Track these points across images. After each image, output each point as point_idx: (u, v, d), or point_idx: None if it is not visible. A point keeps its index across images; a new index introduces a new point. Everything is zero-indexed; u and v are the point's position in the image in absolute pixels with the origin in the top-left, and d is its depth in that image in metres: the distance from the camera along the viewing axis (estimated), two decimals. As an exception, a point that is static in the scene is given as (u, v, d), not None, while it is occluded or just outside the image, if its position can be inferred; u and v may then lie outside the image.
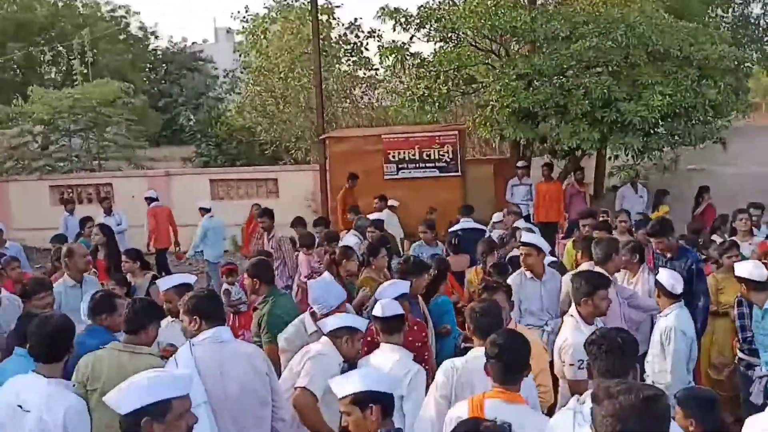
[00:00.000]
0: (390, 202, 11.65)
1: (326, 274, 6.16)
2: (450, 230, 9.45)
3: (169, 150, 26.90)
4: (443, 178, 13.31)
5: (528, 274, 6.33)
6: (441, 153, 13.39)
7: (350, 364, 4.41)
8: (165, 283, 5.61)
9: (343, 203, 12.06)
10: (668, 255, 6.57)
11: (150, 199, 12.94)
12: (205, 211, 12.19)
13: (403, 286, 5.35)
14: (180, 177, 17.21)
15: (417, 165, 13.37)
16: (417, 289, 5.91)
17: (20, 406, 3.67)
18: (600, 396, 2.27)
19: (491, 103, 13.07)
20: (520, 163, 13.55)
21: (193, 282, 5.63)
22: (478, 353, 3.96)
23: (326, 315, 4.81)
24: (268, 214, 9.87)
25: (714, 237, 8.66)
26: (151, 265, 9.25)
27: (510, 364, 3.46)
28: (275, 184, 16.53)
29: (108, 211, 12.37)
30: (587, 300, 4.78)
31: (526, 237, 6.67)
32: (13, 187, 17.58)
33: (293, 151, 19.51)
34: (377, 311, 4.63)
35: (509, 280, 6.10)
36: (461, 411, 3.45)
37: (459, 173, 13.40)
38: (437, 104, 13.55)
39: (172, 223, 12.90)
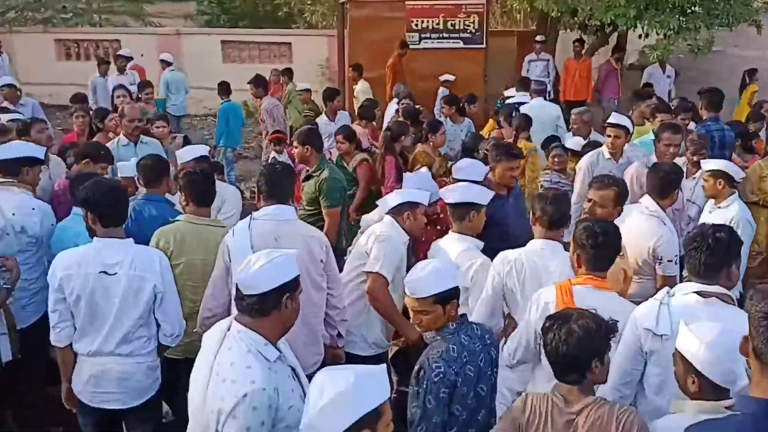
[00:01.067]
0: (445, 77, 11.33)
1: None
2: (507, 102, 9.10)
3: (169, 6, 25.68)
4: (466, 50, 12.76)
5: (606, 154, 6.14)
6: (466, 23, 12.76)
7: (415, 240, 4.32)
8: (186, 154, 5.56)
9: (392, 73, 11.50)
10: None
11: (165, 63, 12.45)
12: (166, 64, 12.36)
13: (483, 170, 5.10)
14: (191, 36, 16.57)
15: (441, 35, 12.77)
16: (504, 178, 5.10)
17: (105, 272, 3.61)
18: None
19: (524, -31, 12.33)
20: (538, 38, 13.14)
21: (207, 152, 5.75)
22: (537, 245, 3.87)
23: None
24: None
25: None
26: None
27: (604, 251, 3.38)
28: (289, 49, 15.93)
29: (122, 70, 11.83)
30: (673, 192, 4.70)
31: (614, 118, 6.31)
32: (17, 40, 16.91)
33: (307, 15, 18.67)
34: (448, 196, 4.42)
35: (584, 159, 5.95)
36: (549, 296, 3.38)
37: (484, 45, 12.86)
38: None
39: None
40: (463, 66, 12.24)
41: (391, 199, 4.49)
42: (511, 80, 11.99)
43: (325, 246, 4.09)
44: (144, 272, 3.64)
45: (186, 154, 5.54)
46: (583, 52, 13.20)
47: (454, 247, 4.25)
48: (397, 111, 8.99)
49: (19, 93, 8.96)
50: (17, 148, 4.89)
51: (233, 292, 2.88)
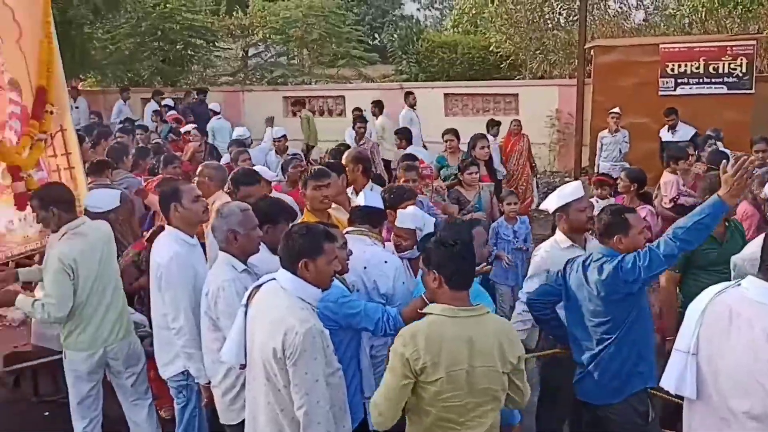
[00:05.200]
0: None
1: None
2: None
3: (371, 68, 25.89)
4: (730, 96, 11.16)
5: None
6: (732, 67, 11.15)
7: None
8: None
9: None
10: None
11: (213, 112, 13.47)
12: (214, 113, 13.30)
13: None
14: (414, 90, 16.20)
15: (700, 80, 11.24)
16: None
17: None
18: None
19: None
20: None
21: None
22: None
23: None
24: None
25: None
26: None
27: None
28: (515, 99, 15.04)
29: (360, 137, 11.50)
30: None
31: None
32: (248, 97, 17.65)
33: (533, 65, 17.74)
34: None
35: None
36: None
37: (752, 90, 11.13)
38: (740, 6, 11.17)
39: None
40: (726, 114, 10.64)
41: None
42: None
43: None
44: None
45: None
46: None
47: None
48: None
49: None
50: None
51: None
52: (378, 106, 12.44)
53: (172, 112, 14.23)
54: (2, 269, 5.51)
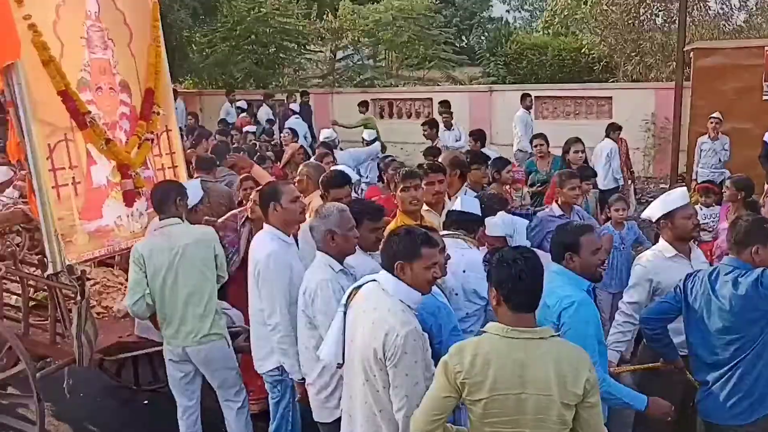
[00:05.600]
0: None
1: None
2: None
3: (458, 71, 25.72)
4: None
5: None
6: (841, 69, 10.51)
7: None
8: None
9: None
10: None
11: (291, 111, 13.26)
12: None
13: None
14: (502, 93, 16.05)
15: (809, 83, 10.65)
16: None
17: None
18: None
19: None
20: None
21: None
22: None
23: None
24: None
25: None
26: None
27: None
28: (609, 103, 14.63)
29: (448, 126, 11.53)
30: None
31: None
32: (337, 100, 17.89)
33: (628, 67, 17.23)
34: None
35: None
36: None
37: None
38: None
39: None
40: (839, 121, 9.99)
41: None
42: None
43: None
44: None
45: None
46: None
47: None
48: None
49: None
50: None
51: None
52: (446, 107, 12.57)
53: (244, 114, 14.67)
54: (110, 262, 5.82)
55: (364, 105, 14.32)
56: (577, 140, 7.75)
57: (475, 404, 2.73)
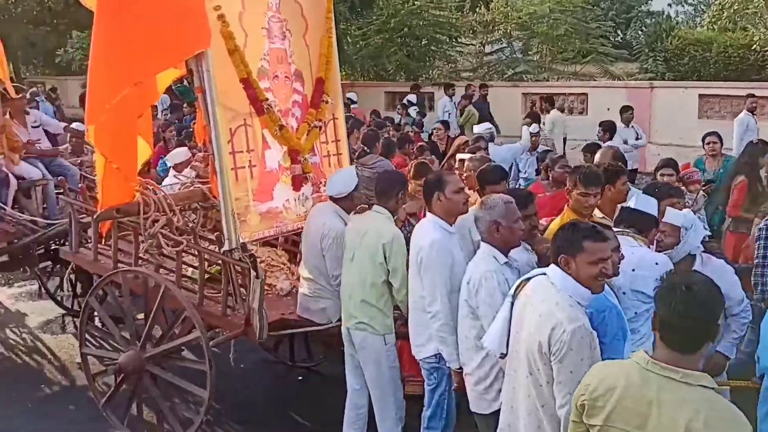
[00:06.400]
0: None
1: None
2: None
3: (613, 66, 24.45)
4: None
5: None
6: None
7: None
8: None
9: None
10: None
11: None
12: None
13: None
14: (664, 90, 15.28)
15: None
16: None
17: None
18: None
19: None
20: None
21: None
22: None
23: None
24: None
25: None
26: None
27: None
28: (783, 103, 13.53)
29: (627, 122, 10.84)
30: None
31: None
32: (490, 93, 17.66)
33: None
34: None
35: None
36: None
37: None
38: None
39: None
40: None
41: None
42: None
43: None
44: None
45: None
46: None
47: None
48: None
49: None
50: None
51: None
52: (548, 102, 12.81)
53: (414, 107, 14.84)
54: (273, 242, 6.12)
55: (549, 101, 13.86)
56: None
57: (591, 429, 2.55)
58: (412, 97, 15.44)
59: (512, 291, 3.33)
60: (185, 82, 15.84)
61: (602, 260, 3.10)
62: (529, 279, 3.30)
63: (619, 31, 29.88)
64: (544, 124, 11.87)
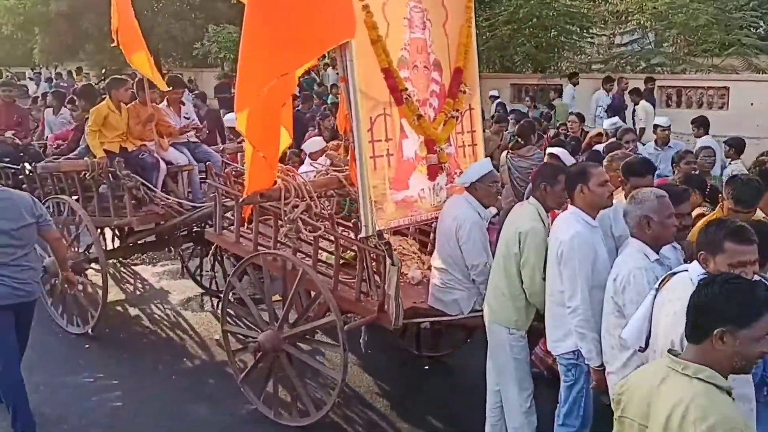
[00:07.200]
0: None
1: None
2: None
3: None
4: None
5: None
6: None
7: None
8: None
9: None
10: None
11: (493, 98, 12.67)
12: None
13: None
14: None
15: None
16: None
17: None
18: None
19: None
20: None
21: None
22: None
23: None
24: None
25: None
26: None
27: None
28: None
29: None
30: None
31: None
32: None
33: None
34: None
35: None
36: None
37: None
38: None
39: None
40: None
41: None
42: None
43: None
44: None
45: None
46: None
47: None
48: None
49: None
50: None
51: None
52: (636, 94, 13.05)
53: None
54: (404, 231, 6.18)
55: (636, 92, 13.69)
56: None
57: (615, 422, 2.55)
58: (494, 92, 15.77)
59: (657, 284, 3.22)
60: (312, 74, 16.30)
61: (741, 264, 2.94)
62: (675, 273, 3.18)
63: (762, 22, 27.83)
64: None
